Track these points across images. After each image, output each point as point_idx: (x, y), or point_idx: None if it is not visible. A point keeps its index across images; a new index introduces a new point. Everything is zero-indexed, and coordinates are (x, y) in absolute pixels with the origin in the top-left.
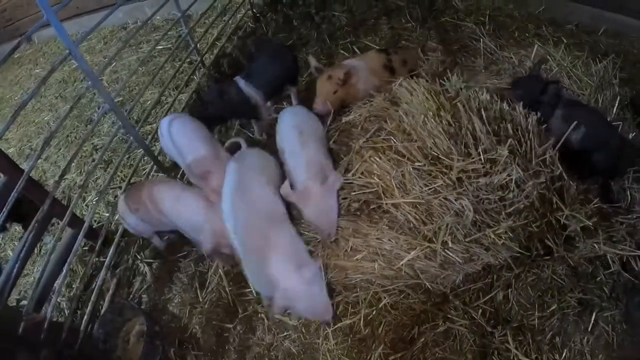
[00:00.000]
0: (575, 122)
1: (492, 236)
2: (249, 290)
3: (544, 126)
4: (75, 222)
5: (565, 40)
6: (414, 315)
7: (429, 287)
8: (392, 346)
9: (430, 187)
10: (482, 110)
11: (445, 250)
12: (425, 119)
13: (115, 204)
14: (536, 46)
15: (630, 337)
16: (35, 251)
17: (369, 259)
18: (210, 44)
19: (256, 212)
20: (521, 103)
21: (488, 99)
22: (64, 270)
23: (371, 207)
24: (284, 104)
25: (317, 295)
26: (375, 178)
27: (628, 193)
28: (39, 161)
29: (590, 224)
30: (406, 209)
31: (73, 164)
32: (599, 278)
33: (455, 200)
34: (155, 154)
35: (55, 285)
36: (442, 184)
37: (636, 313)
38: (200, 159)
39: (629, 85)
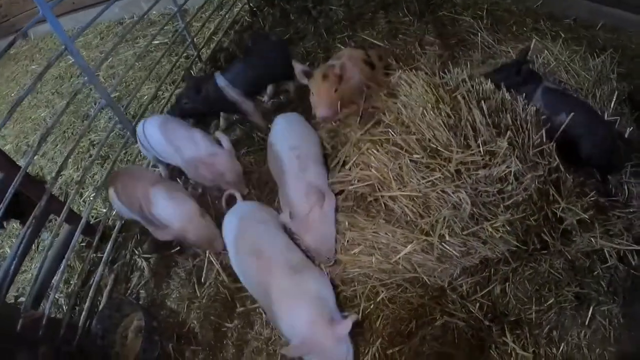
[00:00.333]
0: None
1: (490, 229)
2: None
3: (542, 117)
4: (73, 218)
5: (563, 35)
6: (412, 309)
7: (427, 280)
8: (389, 340)
9: (428, 179)
10: (483, 101)
11: (443, 243)
12: (424, 111)
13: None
14: (534, 40)
15: (627, 331)
16: (33, 247)
17: (366, 253)
18: (207, 39)
19: (275, 271)
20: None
21: (491, 89)
22: (62, 267)
23: (368, 200)
24: (280, 97)
25: (343, 355)
26: (372, 171)
27: (625, 187)
28: (35, 157)
29: (587, 217)
30: (403, 201)
31: (70, 160)
32: (596, 272)
33: (453, 193)
34: None
35: (53, 281)
36: (440, 177)
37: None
38: (211, 154)
39: (626, 80)
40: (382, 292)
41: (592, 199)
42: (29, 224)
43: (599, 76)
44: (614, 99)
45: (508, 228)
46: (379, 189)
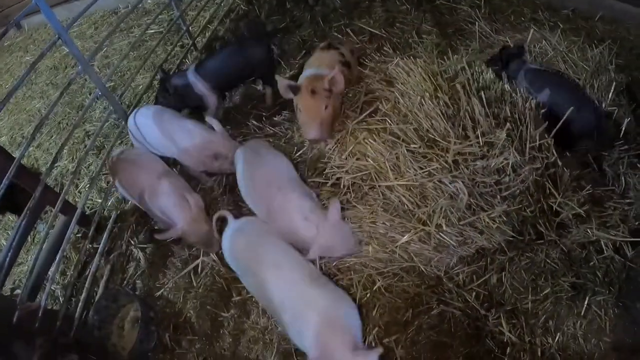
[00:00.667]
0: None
1: (487, 220)
2: None
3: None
4: (68, 209)
5: (561, 25)
6: (408, 298)
7: (423, 270)
8: (386, 329)
9: (425, 169)
10: (483, 90)
11: (440, 233)
12: (422, 100)
13: (107, 189)
14: (532, 30)
15: (622, 322)
16: (29, 239)
17: (363, 242)
18: (202, 27)
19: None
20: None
21: (491, 78)
22: (58, 258)
23: (364, 189)
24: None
25: None
26: (369, 160)
27: (622, 178)
28: (30, 149)
29: (582, 211)
30: (400, 191)
31: (65, 151)
32: (592, 263)
33: (450, 183)
34: None
35: (49, 273)
36: (437, 167)
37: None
38: (207, 141)
39: (624, 72)
40: (379, 281)
41: (588, 191)
42: (23, 216)
43: (597, 67)
44: (612, 90)
45: (504, 219)
46: (375, 178)
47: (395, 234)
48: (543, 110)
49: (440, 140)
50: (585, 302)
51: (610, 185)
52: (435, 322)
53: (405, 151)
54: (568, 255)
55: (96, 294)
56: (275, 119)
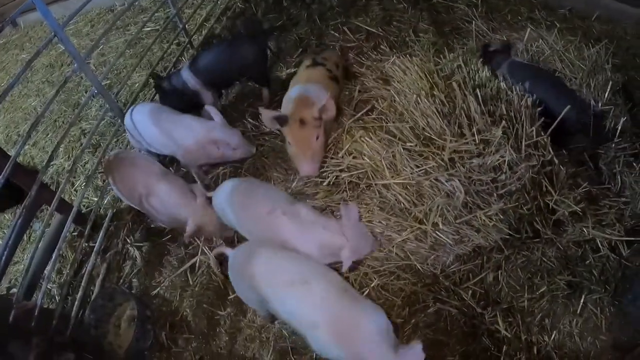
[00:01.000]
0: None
1: (483, 218)
2: None
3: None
4: (64, 207)
5: (558, 25)
6: (405, 297)
7: (420, 268)
8: None
9: (422, 168)
10: (479, 88)
11: (436, 231)
12: (418, 98)
13: (103, 188)
14: (529, 29)
15: (618, 320)
16: (25, 238)
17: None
18: (198, 25)
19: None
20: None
21: (487, 76)
22: (54, 257)
23: (361, 188)
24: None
25: None
26: (365, 158)
27: (618, 177)
28: (26, 147)
29: (579, 209)
30: (396, 190)
31: (61, 149)
32: (588, 261)
33: (447, 181)
34: None
35: (45, 271)
36: (433, 165)
37: (630, 308)
38: (209, 129)
39: (621, 71)
40: (375, 279)
41: (584, 189)
42: (19, 214)
43: (594, 66)
44: (608, 89)
45: (501, 217)
46: (372, 177)
47: (391, 232)
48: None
49: (436, 139)
50: (581, 301)
51: (607, 184)
52: (432, 320)
53: (402, 149)
54: (564, 254)
55: (92, 293)
56: None
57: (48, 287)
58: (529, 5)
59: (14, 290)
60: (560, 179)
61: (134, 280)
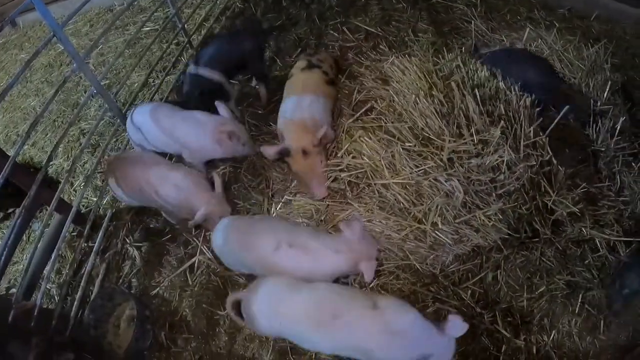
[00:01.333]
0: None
1: (482, 218)
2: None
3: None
4: (63, 207)
5: (557, 24)
6: (404, 296)
7: (419, 268)
8: None
9: (421, 168)
10: (477, 88)
11: (435, 231)
12: (417, 98)
13: (103, 188)
14: (528, 29)
15: (617, 320)
16: (24, 238)
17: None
18: (197, 25)
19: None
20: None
21: (486, 76)
22: (53, 257)
23: (360, 187)
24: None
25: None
26: (364, 158)
27: (617, 177)
28: (25, 147)
29: (577, 210)
30: (396, 189)
31: (60, 149)
32: (587, 261)
33: (446, 181)
34: None
35: (44, 272)
36: (432, 165)
37: (616, 298)
38: (221, 123)
39: (620, 71)
40: (374, 279)
41: (583, 189)
42: (18, 214)
43: (593, 66)
44: (607, 89)
45: (500, 216)
46: (371, 176)
47: (391, 232)
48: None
49: (435, 139)
50: (579, 300)
51: (606, 184)
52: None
53: (401, 149)
54: (563, 254)
55: (92, 293)
56: (272, 116)
57: (47, 287)
58: (528, 5)
59: (14, 290)
60: (559, 179)
61: (133, 280)
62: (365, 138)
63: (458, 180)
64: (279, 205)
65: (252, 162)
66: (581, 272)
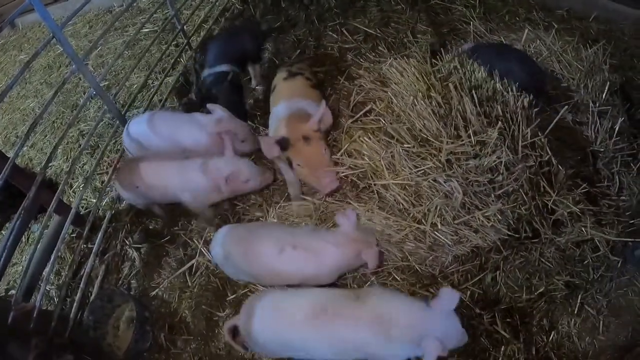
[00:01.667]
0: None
1: (481, 218)
2: None
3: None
4: (62, 208)
5: (556, 25)
6: None
7: (418, 269)
8: None
9: (420, 168)
10: (475, 90)
11: (435, 232)
12: (415, 100)
13: (102, 189)
14: (526, 30)
15: (616, 320)
16: (23, 239)
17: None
18: (197, 26)
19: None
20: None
21: (483, 77)
22: (52, 258)
23: (360, 187)
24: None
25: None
26: (365, 159)
27: (617, 177)
28: (24, 149)
29: (577, 209)
30: (395, 190)
31: (59, 150)
32: (586, 261)
33: (445, 182)
34: None
35: (43, 273)
36: (431, 166)
37: (630, 259)
38: (226, 121)
39: (618, 72)
40: (373, 280)
41: (584, 189)
42: (17, 216)
43: (591, 67)
44: (606, 90)
45: (499, 217)
46: (371, 177)
47: (390, 232)
48: None
49: (433, 140)
50: (578, 301)
51: (605, 184)
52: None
53: (400, 150)
54: (562, 254)
55: (91, 294)
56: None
57: (47, 288)
58: (527, 6)
59: (13, 291)
60: (559, 179)
61: (132, 281)
62: (365, 138)
63: (457, 181)
64: (278, 206)
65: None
66: (580, 272)
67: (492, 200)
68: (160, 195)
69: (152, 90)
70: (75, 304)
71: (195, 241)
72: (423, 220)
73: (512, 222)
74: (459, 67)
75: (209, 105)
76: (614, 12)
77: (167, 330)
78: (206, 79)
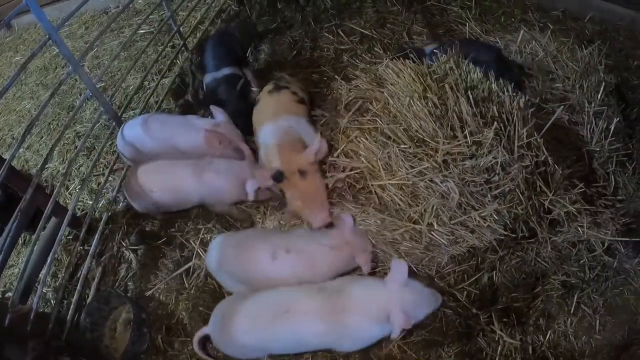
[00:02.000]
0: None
1: (478, 218)
2: None
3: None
4: (59, 210)
5: (551, 26)
6: None
7: (414, 269)
8: None
9: (416, 169)
10: (470, 90)
11: (431, 232)
12: (411, 101)
13: (98, 191)
14: (522, 31)
15: (612, 320)
16: (20, 241)
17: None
18: (193, 28)
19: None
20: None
21: (479, 77)
22: (49, 260)
23: (357, 188)
24: None
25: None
26: (362, 159)
27: (612, 177)
28: (21, 150)
29: (574, 209)
30: (392, 190)
31: (55, 152)
32: (582, 261)
33: (441, 182)
34: None
35: (40, 275)
36: (428, 167)
37: None
38: (212, 126)
39: (613, 72)
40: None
41: (580, 189)
42: (14, 218)
43: (587, 67)
44: (601, 90)
45: (495, 217)
46: (368, 177)
47: (386, 232)
48: None
49: (430, 141)
50: (574, 300)
51: (601, 183)
52: (427, 321)
53: (397, 150)
54: (558, 254)
55: (88, 296)
56: None
57: (43, 290)
58: (523, 7)
59: (9, 294)
60: (555, 179)
61: (129, 283)
62: (362, 139)
63: (453, 181)
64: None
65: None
66: (576, 272)
67: (489, 201)
68: (175, 199)
69: (148, 91)
70: (72, 306)
71: (192, 242)
72: (419, 220)
73: (508, 222)
74: (454, 67)
75: (213, 108)
76: (609, 12)
77: (164, 332)
78: (223, 77)
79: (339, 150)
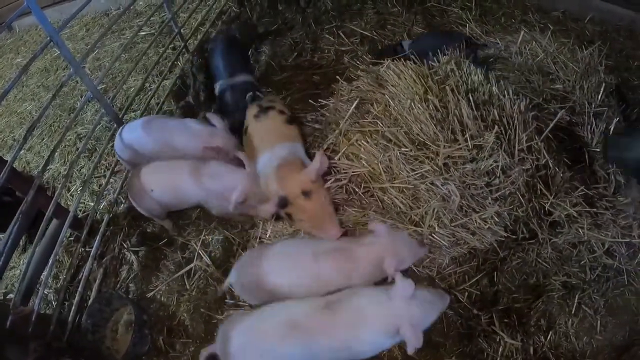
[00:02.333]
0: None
1: (478, 221)
2: None
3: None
4: (60, 212)
5: (551, 27)
6: None
7: (415, 271)
8: None
9: (417, 172)
10: (471, 93)
11: (432, 234)
12: (412, 103)
13: (99, 193)
14: (522, 32)
15: (613, 320)
16: (21, 243)
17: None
18: (194, 29)
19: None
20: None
21: (480, 80)
22: (50, 262)
23: (360, 191)
24: None
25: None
26: (363, 162)
27: (613, 178)
28: (22, 152)
29: (575, 212)
30: (393, 193)
31: (57, 154)
32: (583, 262)
33: (442, 185)
34: None
35: (41, 277)
36: (429, 170)
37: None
38: (211, 135)
39: (614, 73)
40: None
41: (581, 192)
42: (15, 219)
43: (587, 68)
44: (602, 91)
45: (496, 219)
46: (369, 180)
47: None
48: None
49: (430, 144)
50: (575, 301)
51: (602, 185)
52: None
53: (398, 153)
54: (559, 255)
55: (89, 298)
56: None
57: (45, 292)
58: (523, 8)
59: (11, 295)
60: (556, 182)
61: (130, 284)
62: (363, 142)
63: (454, 184)
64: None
65: None
66: (577, 273)
67: (489, 203)
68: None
69: (149, 93)
70: (73, 308)
71: (194, 244)
72: (421, 223)
73: (509, 224)
74: (455, 69)
75: (210, 115)
76: (609, 13)
77: (165, 334)
78: (238, 84)
79: (340, 153)
